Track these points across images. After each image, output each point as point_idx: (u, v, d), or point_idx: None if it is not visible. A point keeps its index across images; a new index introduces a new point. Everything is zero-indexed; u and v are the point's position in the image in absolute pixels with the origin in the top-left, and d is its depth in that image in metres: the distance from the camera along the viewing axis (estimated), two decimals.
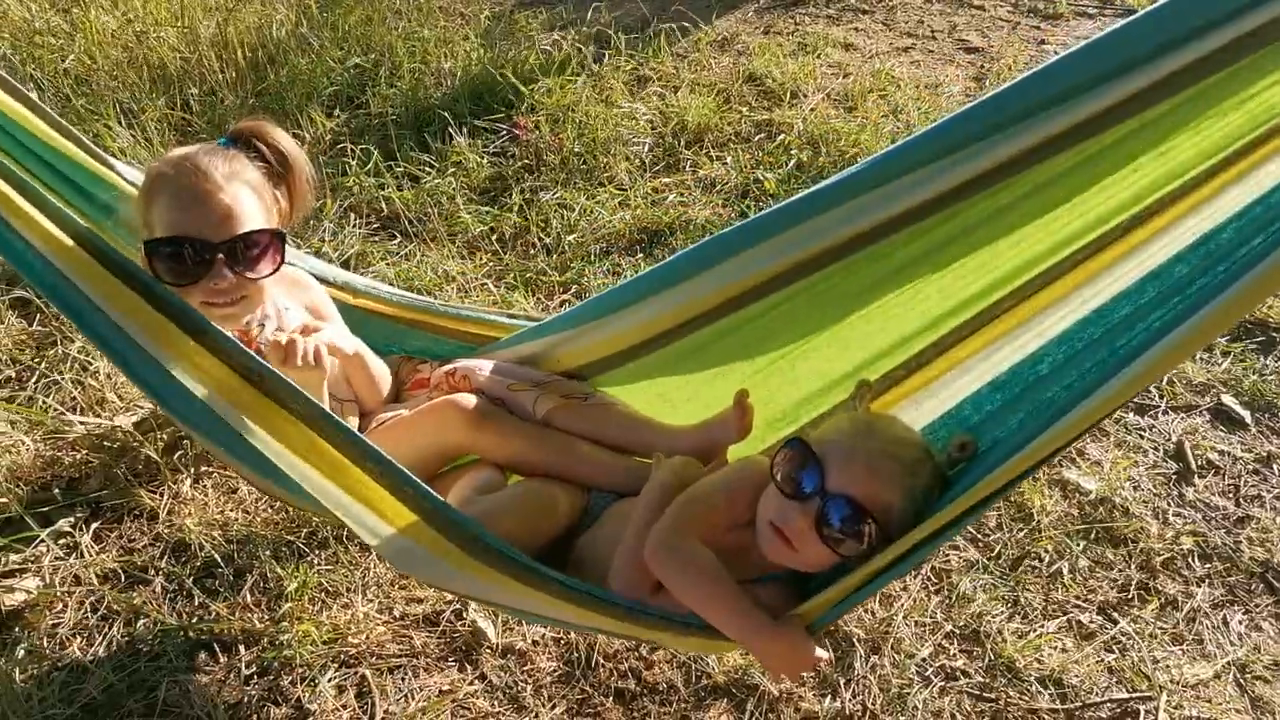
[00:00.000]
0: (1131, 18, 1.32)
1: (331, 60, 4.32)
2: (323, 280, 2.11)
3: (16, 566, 2.32)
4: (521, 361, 2.03)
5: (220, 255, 1.67)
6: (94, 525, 2.43)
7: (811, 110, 4.17)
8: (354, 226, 3.48)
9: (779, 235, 1.57)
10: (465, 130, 3.96)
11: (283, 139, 1.87)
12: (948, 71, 4.57)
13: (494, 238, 3.51)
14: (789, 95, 4.27)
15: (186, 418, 1.57)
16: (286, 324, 1.92)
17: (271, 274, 1.76)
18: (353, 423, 1.98)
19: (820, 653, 1.49)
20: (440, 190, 3.67)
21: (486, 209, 3.62)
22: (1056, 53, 4.77)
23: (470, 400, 1.87)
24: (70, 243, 1.47)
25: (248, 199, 1.73)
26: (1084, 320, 1.56)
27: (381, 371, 2.05)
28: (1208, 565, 2.47)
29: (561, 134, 3.94)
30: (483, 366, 1.98)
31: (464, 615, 2.27)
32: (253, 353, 1.50)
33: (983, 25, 4.98)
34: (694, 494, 1.61)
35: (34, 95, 1.92)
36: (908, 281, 1.63)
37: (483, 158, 3.87)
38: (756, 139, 4.03)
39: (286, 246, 1.78)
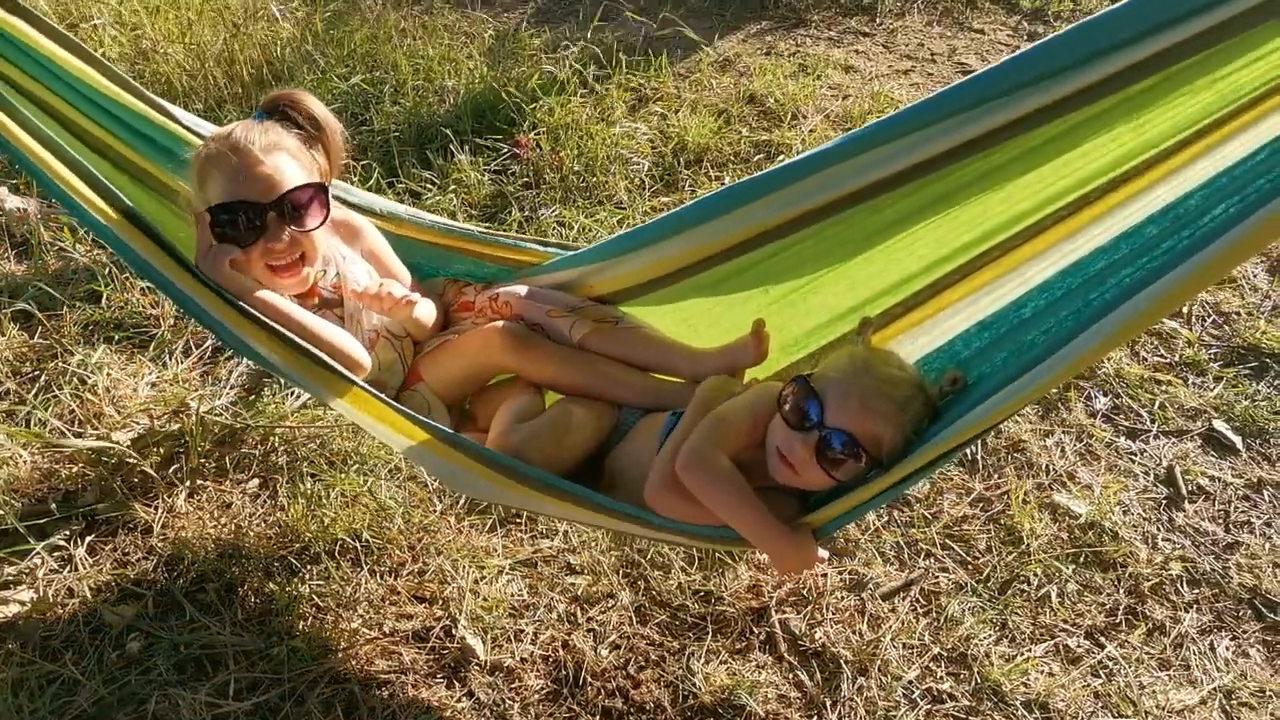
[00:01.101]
0: (1121, 4, 1.43)
1: (336, 77, 4.36)
2: (369, 211, 2.27)
3: (10, 579, 2.34)
4: (557, 287, 2.17)
5: (271, 214, 1.86)
6: (89, 538, 2.45)
7: (810, 131, 4.20)
8: None
9: (793, 184, 1.73)
10: (467, 148, 3.99)
11: (313, 103, 2.05)
12: None
13: None
14: (789, 116, 4.30)
15: (259, 362, 1.86)
16: (347, 272, 2.07)
17: (321, 224, 1.94)
18: (408, 354, 2.19)
19: (821, 553, 1.74)
20: (441, 207, 3.70)
21: (486, 226, 3.65)
22: None
23: (510, 327, 2.06)
24: (118, 217, 1.73)
25: (288, 164, 1.91)
26: (1063, 271, 1.73)
27: (429, 315, 2.20)
28: (1196, 591, 2.47)
29: (562, 152, 3.96)
30: (522, 291, 2.13)
31: (453, 632, 2.28)
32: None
33: (982, 49, 5.00)
34: (722, 414, 1.79)
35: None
36: (908, 229, 1.80)
37: (483, 175, 3.89)
38: (755, 159, 4.05)
39: (332, 191, 2.00)
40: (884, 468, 1.62)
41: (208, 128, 2.26)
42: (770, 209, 1.77)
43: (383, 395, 1.79)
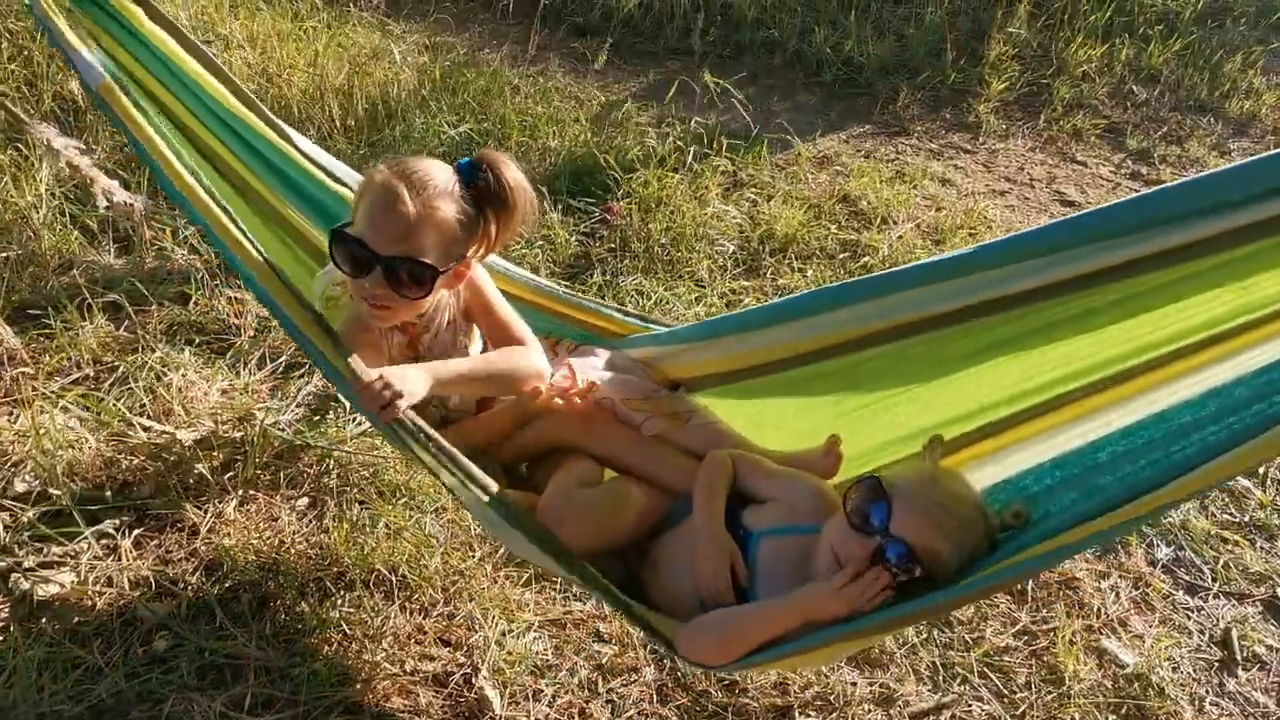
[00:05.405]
0: (1240, 162, 1.38)
1: (446, 124, 4.49)
2: None
3: (55, 559, 2.38)
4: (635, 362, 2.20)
5: (378, 266, 1.85)
6: (136, 531, 2.49)
7: (899, 237, 4.20)
8: None
9: (888, 296, 1.70)
10: (560, 207, 4.07)
11: (513, 172, 1.95)
12: (1040, 220, 4.58)
13: None
14: (879, 220, 4.32)
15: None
16: (447, 340, 2.14)
17: (416, 300, 1.93)
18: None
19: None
20: (526, 260, 3.76)
21: (566, 285, 3.70)
22: None
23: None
24: (261, 263, 1.89)
25: (429, 231, 1.86)
26: (1146, 420, 1.68)
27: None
28: None
29: (651, 224, 4.02)
30: (601, 367, 2.18)
31: (473, 681, 2.27)
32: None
33: (1083, 181, 4.99)
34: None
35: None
36: (995, 358, 1.77)
37: (572, 235, 3.96)
38: (840, 256, 4.06)
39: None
40: (930, 586, 1.57)
41: (324, 156, 2.35)
42: (861, 317, 1.76)
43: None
